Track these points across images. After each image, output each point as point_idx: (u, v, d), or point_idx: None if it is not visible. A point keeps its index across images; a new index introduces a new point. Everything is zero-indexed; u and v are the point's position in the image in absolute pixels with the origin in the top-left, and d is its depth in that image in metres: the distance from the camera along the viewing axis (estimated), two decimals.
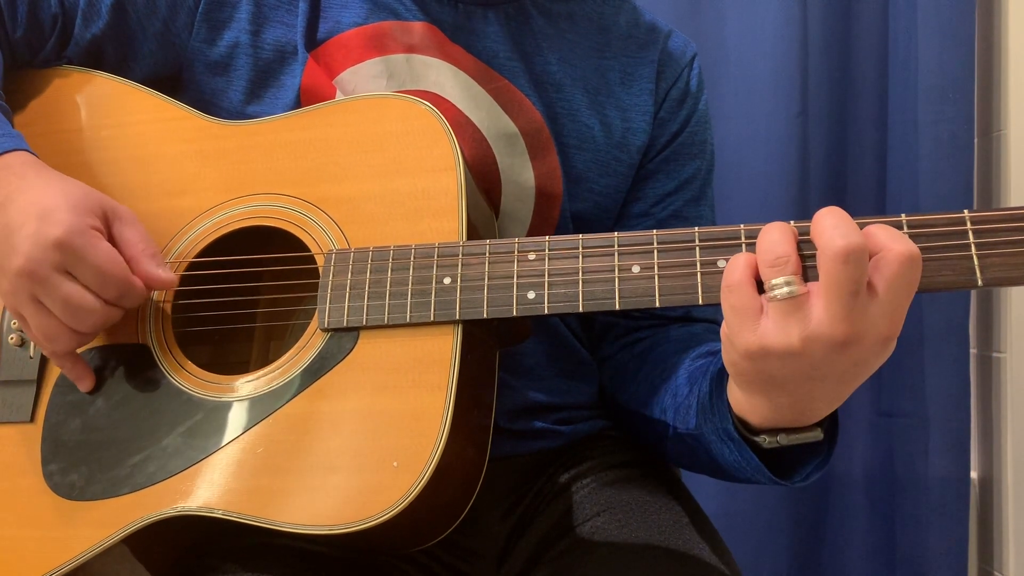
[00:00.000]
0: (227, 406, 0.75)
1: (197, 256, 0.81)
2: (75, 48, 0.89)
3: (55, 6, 0.87)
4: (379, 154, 0.79)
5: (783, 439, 0.67)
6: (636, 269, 0.67)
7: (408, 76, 0.88)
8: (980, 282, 0.60)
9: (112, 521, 0.73)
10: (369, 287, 0.74)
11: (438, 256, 0.73)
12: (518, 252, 0.71)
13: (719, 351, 0.67)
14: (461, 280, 0.72)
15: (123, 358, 0.79)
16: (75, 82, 0.89)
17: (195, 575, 0.77)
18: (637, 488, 0.90)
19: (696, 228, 0.67)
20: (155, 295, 0.80)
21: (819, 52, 1.63)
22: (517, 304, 0.70)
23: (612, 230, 0.86)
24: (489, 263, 0.72)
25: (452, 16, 0.91)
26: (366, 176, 0.79)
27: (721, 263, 0.65)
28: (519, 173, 0.90)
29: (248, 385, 0.75)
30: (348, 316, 0.74)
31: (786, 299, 0.58)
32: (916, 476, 1.57)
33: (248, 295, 0.82)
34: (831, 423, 0.69)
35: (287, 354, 0.75)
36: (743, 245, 0.63)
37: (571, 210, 0.93)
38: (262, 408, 0.74)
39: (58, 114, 0.88)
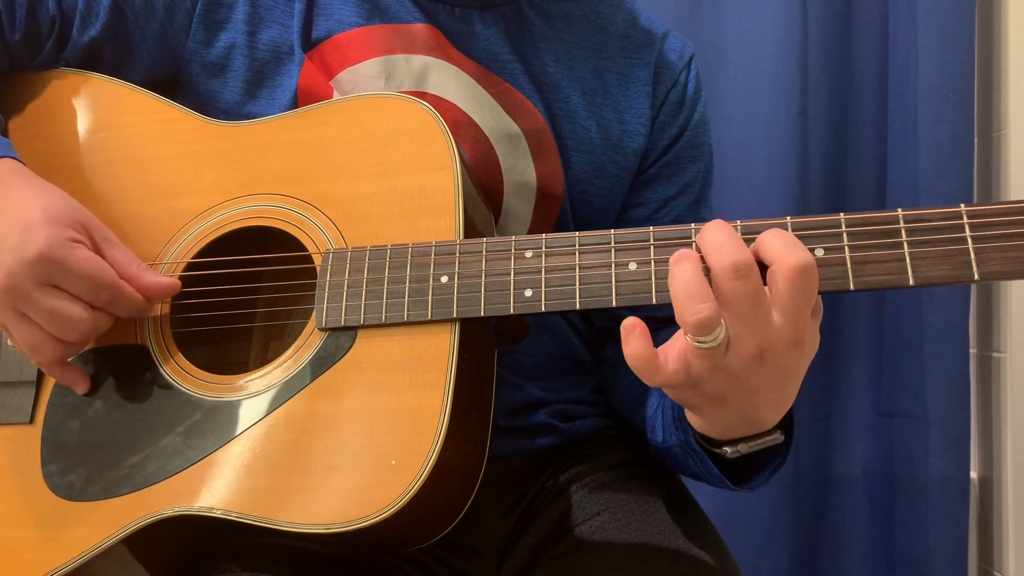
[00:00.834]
0: (226, 406, 0.75)
1: (195, 257, 0.81)
2: (72, 50, 0.89)
3: (53, 9, 0.87)
4: (376, 153, 0.79)
5: (743, 448, 0.69)
6: (633, 266, 0.67)
7: (408, 77, 0.88)
8: (976, 276, 0.60)
9: (112, 521, 0.73)
10: (366, 286, 0.74)
11: (435, 255, 0.73)
12: (515, 250, 0.72)
13: None
14: (458, 278, 0.72)
15: (122, 359, 0.79)
16: (72, 84, 0.89)
17: (195, 575, 0.77)
18: (637, 488, 0.90)
19: (692, 224, 0.67)
20: None
21: (819, 52, 1.63)
22: (514, 302, 0.70)
23: None
24: (486, 261, 0.72)
25: (449, 19, 0.91)
26: (363, 175, 0.79)
27: None
28: (522, 173, 0.90)
29: (247, 385, 0.75)
30: (346, 315, 0.74)
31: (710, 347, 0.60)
32: (916, 476, 1.57)
33: (246, 295, 0.82)
34: (789, 423, 0.71)
35: (285, 353, 0.75)
36: (747, 242, 0.63)
37: (571, 211, 0.93)
38: (261, 408, 0.74)
39: (55, 116, 0.88)
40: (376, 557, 0.82)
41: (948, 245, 0.61)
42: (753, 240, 0.61)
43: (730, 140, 1.63)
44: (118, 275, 0.74)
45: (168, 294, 0.78)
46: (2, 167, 0.77)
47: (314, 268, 0.77)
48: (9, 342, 0.80)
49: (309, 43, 0.88)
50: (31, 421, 0.79)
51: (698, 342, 0.59)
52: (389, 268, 0.74)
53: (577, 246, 0.70)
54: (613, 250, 0.69)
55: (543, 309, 0.69)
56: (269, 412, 0.73)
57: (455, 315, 0.71)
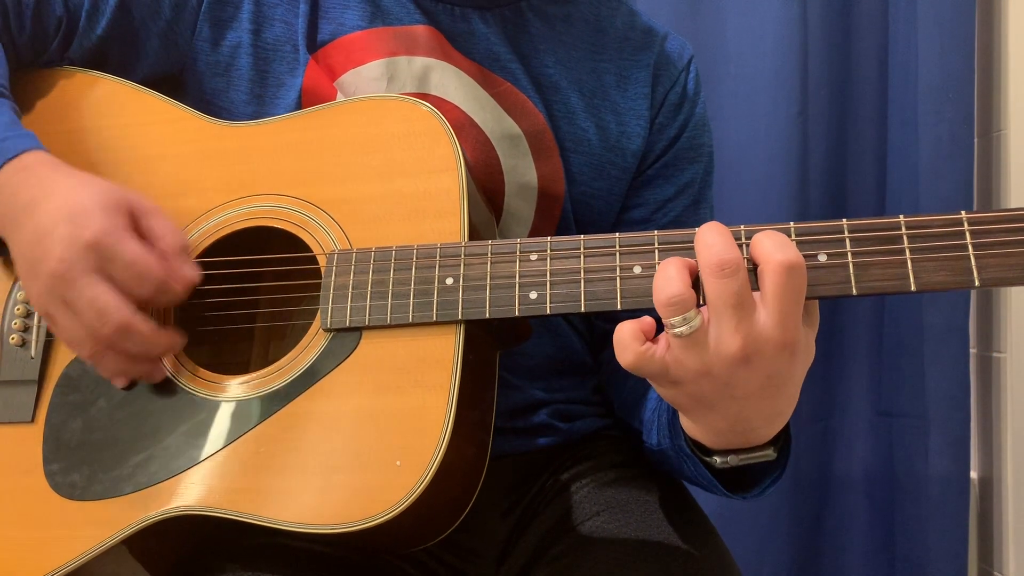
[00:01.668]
0: (230, 406, 0.75)
1: (199, 257, 0.81)
2: (78, 49, 0.89)
3: (59, 9, 0.87)
4: (381, 155, 0.79)
5: (733, 459, 0.69)
6: (638, 269, 0.68)
7: (410, 79, 0.88)
8: (977, 283, 0.60)
9: (114, 521, 0.73)
10: (372, 287, 0.74)
11: (440, 256, 0.73)
12: (520, 252, 0.72)
13: None
14: (463, 280, 0.72)
15: None
16: (77, 83, 0.89)
17: (195, 575, 0.77)
18: (637, 488, 0.90)
19: (696, 229, 0.67)
20: None
21: (819, 52, 1.63)
22: (519, 304, 0.70)
23: (613, 231, 0.86)
24: (491, 263, 0.72)
25: (450, 19, 0.91)
26: (368, 177, 0.79)
27: None
28: (523, 174, 0.90)
29: (251, 385, 0.75)
30: (350, 316, 0.74)
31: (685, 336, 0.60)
32: (916, 476, 1.57)
33: (250, 295, 0.82)
34: (785, 441, 0.71)
35: (290, 354, 0.75)
36: (744, 246, 0.63)
37: (571, 211, 0.93)
38: (265, 408, 0.74)
39: (60, 114, 0.88)
40: (377, 557, 0.82)
41: (949, 252, 0.61)
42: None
43: (730, 140, 1.63)
44: (161, 267, 0.73)
45: (186, 285, 0.76)
46: (33, 158, 0.77)
47: (318, 269, 0.77)
48: (12, 340, 0.80)
49: (314, 45, 0.88)
50: (32, 420, 0.79)
51: (671, 326, 0.60)
52: (394, 269, 0.74)
53: (582, 249, 0.70)
54: (618, 254, 0.69)
55: (548, 312, 0.70)
56: (273, 412, 0.73)
57: (460, 317, 0.71)
